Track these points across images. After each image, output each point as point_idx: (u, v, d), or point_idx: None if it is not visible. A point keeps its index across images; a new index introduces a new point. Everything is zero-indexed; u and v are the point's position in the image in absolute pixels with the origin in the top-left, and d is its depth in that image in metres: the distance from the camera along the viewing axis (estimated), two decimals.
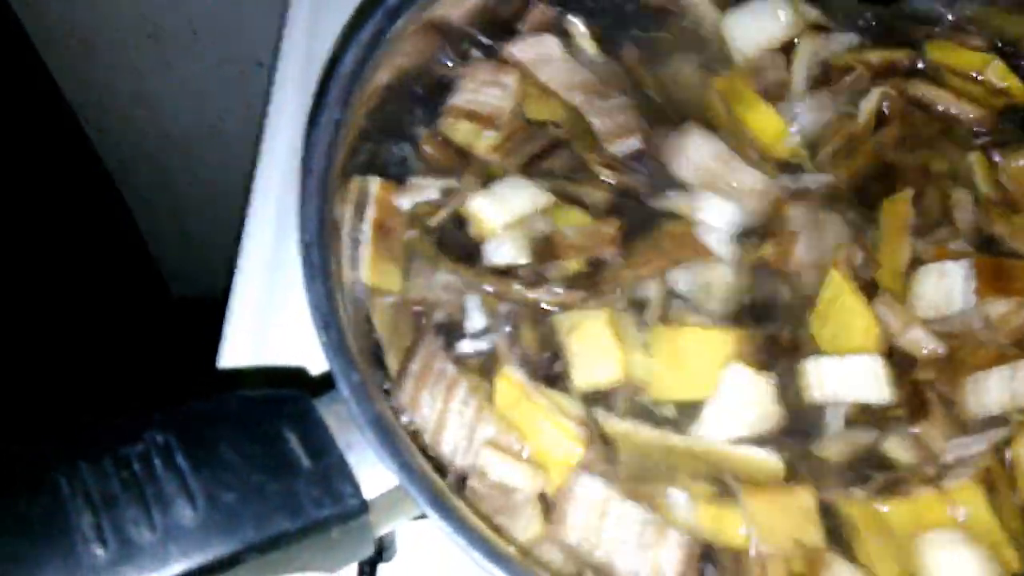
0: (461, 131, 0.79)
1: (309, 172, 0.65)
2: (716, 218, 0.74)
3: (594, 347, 0.67)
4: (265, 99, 1.06)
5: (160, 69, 1.76)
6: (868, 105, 0.80)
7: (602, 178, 0.77)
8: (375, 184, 0.73)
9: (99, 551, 0.50)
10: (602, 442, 0.65)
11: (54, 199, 1.79)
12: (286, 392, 0.59)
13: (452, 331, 0.70)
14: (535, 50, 0.82)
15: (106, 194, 1.95)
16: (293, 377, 0.82)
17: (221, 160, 1.89)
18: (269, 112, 1.03)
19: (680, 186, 0.77)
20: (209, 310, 0.94)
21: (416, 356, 0.66)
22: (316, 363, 0.85)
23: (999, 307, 0.69)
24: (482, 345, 0.69)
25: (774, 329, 0.71)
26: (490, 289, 0.71)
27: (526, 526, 0.62)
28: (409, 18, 0.75)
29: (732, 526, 0.62)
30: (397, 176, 0.76)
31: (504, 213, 0.73)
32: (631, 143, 0.78)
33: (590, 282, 0.71)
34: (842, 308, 0.69)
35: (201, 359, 0.88)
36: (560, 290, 0.70)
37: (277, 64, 1.10)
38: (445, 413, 0.64)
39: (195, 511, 0.52)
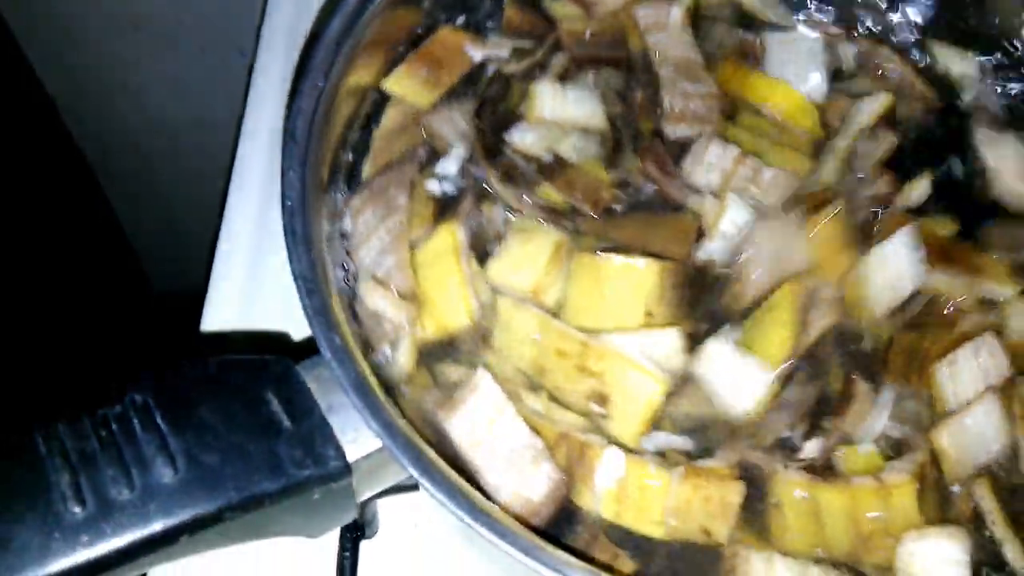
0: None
1: (292, 139, 0.64)
2: (731, 224, 0.73)
3: (525, 255, 0.70)
4: (247, 82, 1.06)
5: (143, 58, 1.74)
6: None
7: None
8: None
9: (77, 509, 0.49)
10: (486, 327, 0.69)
11: (30, 190, 1.77)
12: (268, 357, 0.59)
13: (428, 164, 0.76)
14: (656, 15, 0.83)
15: (85, 186, 1.93)
16: (275, 342, 0.82)
17: (205, 149, 1.87)
18: (250, 92, 1.02)
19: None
20: (190, 307, 0.93)
21: (387, 173, 0.73)
22: (299, 329, 0.85)
23: (948, 279, 0.71)
24: (446, 187, 0.76)
25: (709, 303, 0.72)
26: (484, 162, 0.75)
27: (401, 360, 0.68)
28: None
29: (653, 500, 0.63)
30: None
31: (557, 110, 0.77)
32: (688, 131, 0.79)
33: (560, 217, 0.73)
34: (773, 320, 0.70)
35: (181, 355, 0.87)
36: (530, 203, 0.73)
37: (258, 51, 1.09)
38: (374, 231, 0.71)
39: (175, 471, 0.52)
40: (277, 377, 0.57)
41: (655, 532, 0.63)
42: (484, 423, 0.63)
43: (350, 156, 0.76)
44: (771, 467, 0.65)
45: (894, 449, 0.67)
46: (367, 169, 0.76)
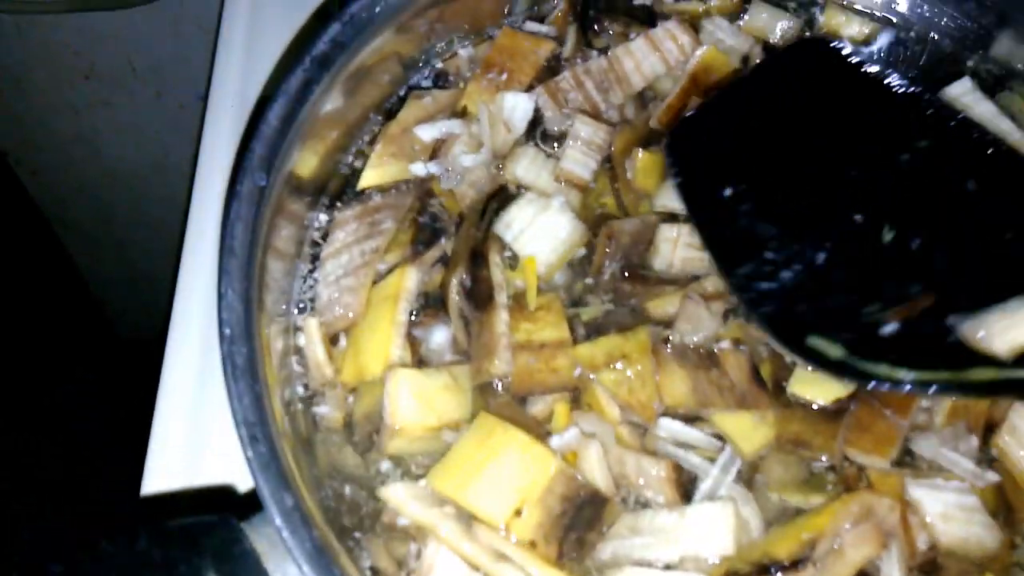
0: None
1: (231, 253, 0.56)
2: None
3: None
4: (197, 142, 0.98)
5: (96, 106, 1.66)
6: None
7: None
8: None
9: None
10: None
11: None
12: (208, 519, 0.51)
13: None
14: None
15: (41, 237, 1.85)
16: (220, 496, 0.73)
17: (166, 195, 1.80)
18: (200, 161, 0.94)
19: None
20: (155, 351, 0.84)
21: (388, 194, 0.75)
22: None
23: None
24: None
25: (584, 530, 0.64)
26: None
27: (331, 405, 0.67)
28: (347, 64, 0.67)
29: None
30: None
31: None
32: None
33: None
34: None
35: (146, 400, 0.79)
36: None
37: (208, 100, 1.01)
38: (348, 249, 0.71)
39: None
40: (219, 545, 0.49)
41: None
42: None
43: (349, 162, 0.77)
44: None
45: None
46: (367, 173, 0.76)
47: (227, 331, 0.53)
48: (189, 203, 0.93)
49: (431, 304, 0.71)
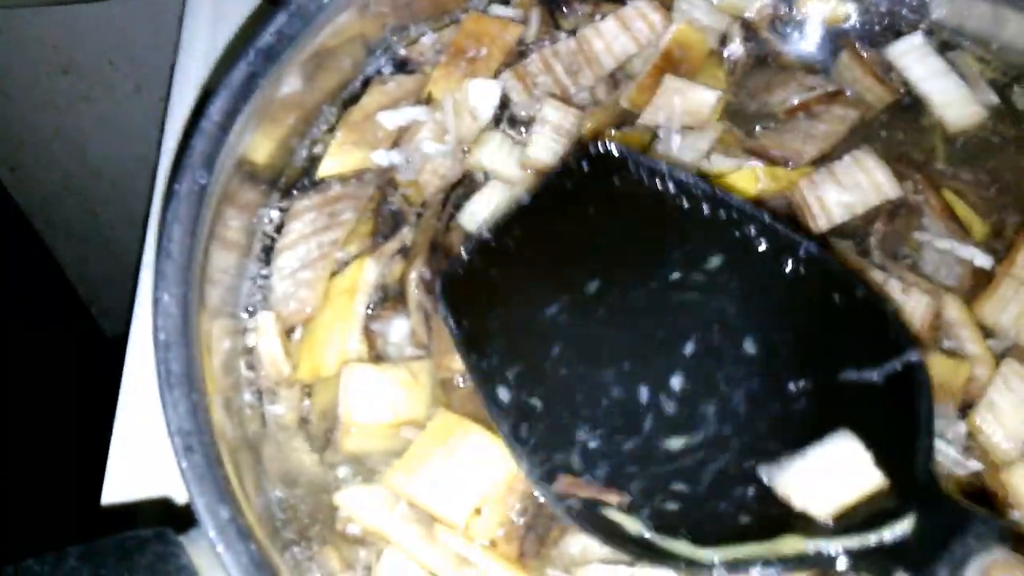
0: None
1: (167, 256, 0.54)
2: None
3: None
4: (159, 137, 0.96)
5: (76, 103, 1.64)
6: None
7: None
8: None
9: None
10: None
11: None
12: (143, 533, 0.49)
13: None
14: None
15: (23, 236, 1.83)
16: (159, 507, 0.70)
17: (151, 190, 1.78)
18: (162, 155, 0.92)
19: None
20: None
21: (348, 184, 0.72)
22: None
23: None
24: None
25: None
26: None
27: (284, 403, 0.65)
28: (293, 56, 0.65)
29: None
30: None
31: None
32: None
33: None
34: None
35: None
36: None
37: (171, 90, 0.99)
38: (305, 240, 0.69)
39: None
40: (155, 561, 0.47)
41: None
42: None
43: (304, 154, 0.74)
44: None
45: None
46: (326, 162, 0.73)
47: (162, 337, 0.51)
48: (150, 203, 0.91)
49: (390, 297, 0.68)
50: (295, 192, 0.72)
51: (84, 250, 1.92)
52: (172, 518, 0.63)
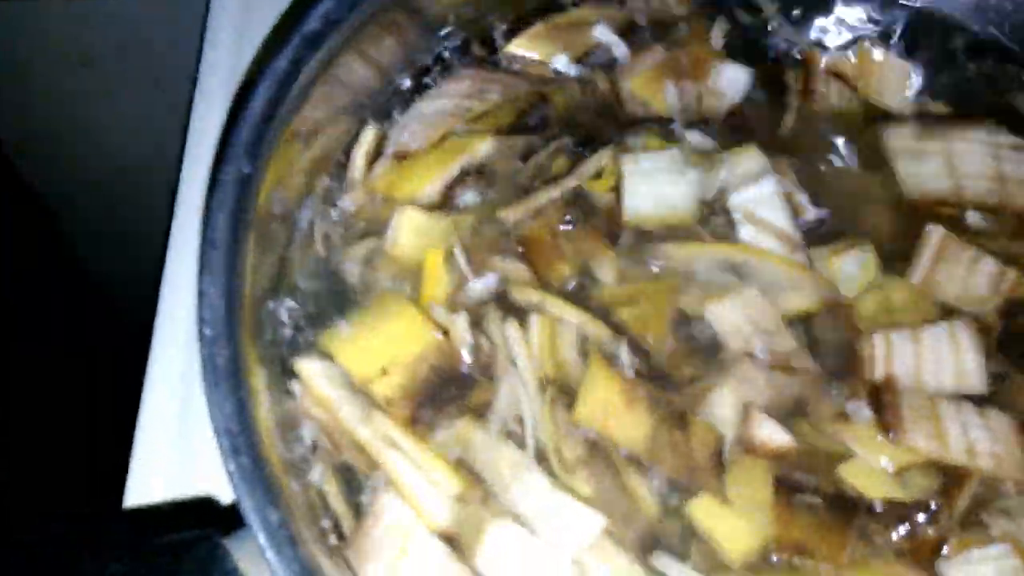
0: None
1: (211, 246, 0.52)
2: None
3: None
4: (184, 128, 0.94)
5: (96, 97, 1.63)
6: None
7: None
8: None
9: None
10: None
11: None
12: (189, 535, 0.47)
13: None
14: None
15: (46, 231, 1.82)
16: (203, 507, 0.68)
17: (171, 183, 1.76)
18: (187, 149, 0.90)
19: None
20: None
21: (507, 74, 0.76)
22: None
23: None
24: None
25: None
26: None
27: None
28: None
29: None
30: None
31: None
32: None
33: None
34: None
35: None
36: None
37: (197, 82, 0.97)
38: (447, 96, 0.74)
39: None
40: (201, 564, 0.45)
41: None
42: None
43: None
44: None
45: None
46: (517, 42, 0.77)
47: (207, 331, 0.49)
48: (175, 195, 0.90)
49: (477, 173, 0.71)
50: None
51: (102, 243, 1.91)
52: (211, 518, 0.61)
